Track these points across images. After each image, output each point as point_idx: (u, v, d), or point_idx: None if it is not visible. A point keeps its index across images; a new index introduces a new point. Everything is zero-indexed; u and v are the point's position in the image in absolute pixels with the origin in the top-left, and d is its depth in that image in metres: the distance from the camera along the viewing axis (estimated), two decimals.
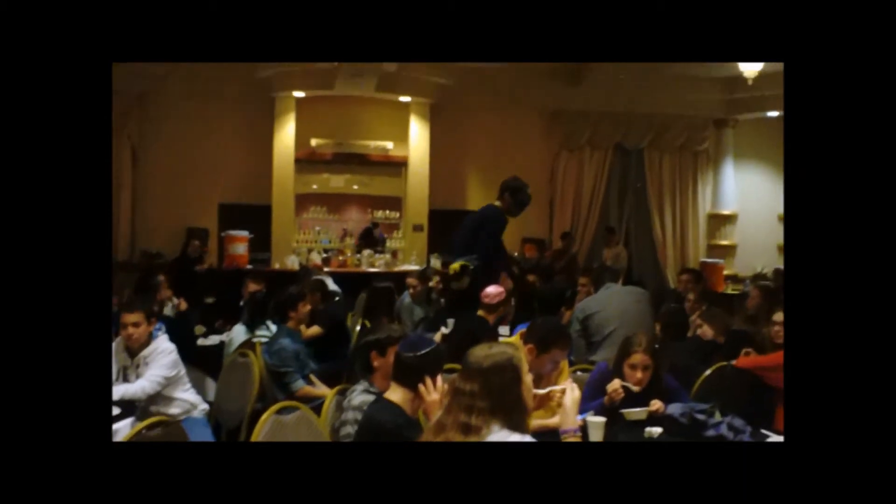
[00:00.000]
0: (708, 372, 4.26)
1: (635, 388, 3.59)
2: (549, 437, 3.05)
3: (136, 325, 4.11)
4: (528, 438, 2.27)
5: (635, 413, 3.50)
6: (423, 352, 2.85)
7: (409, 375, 2.84)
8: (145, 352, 4.15)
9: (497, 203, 6.27)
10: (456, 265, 6.03)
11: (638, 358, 3.64)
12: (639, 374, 3.62)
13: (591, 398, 3.71)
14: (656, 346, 3.86)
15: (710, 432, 3.36)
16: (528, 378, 2.41)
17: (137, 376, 4.11)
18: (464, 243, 6.22)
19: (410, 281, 7.05)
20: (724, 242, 11.89)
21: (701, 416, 3.43)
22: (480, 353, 2.38)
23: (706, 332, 4.85)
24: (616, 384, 3.58)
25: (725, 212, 11.89)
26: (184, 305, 6.51)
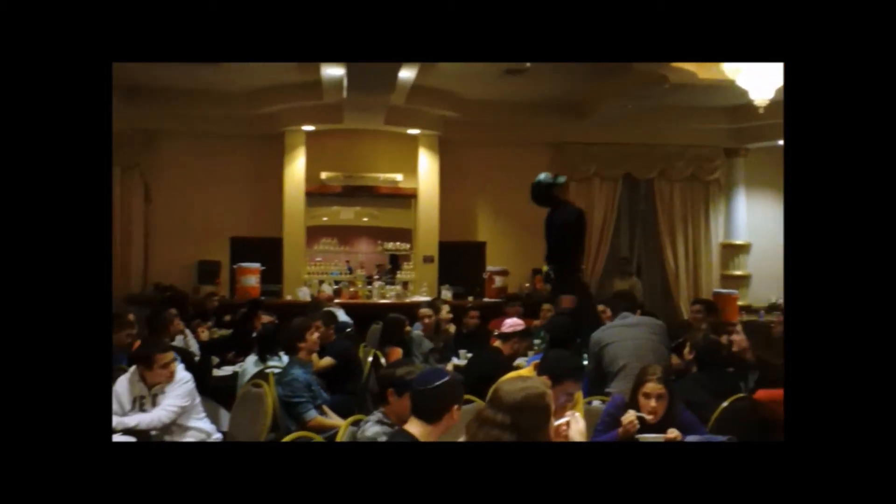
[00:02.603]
0: (725, 404, 4.22)
1: (649, 418, 3.56)
2: None
3: (166, 365, 4.17)
4: None
5: (652, 440, 3.47)
6: (437, 384, 2.81)
7: (427, 408, 2.81)
8: None
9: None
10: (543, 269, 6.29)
11: (651, 387, 3.63)
12: (653, 403, 3.60)
13: (607, 430, 3.68)
14: (672, 377, 3.83)
15: None
16: (552, 418, 2.40)
17: (154, 405, 4.13)
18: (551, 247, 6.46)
19: (424, 312, 7.02)
20: (738, 273, 11.82)
21: None
22: (513, 386, 2.37)
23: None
24: (631, 416, 3.55)
25: (738, 242, 11.83)
26: (205, 334, 6.55)
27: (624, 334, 5.00)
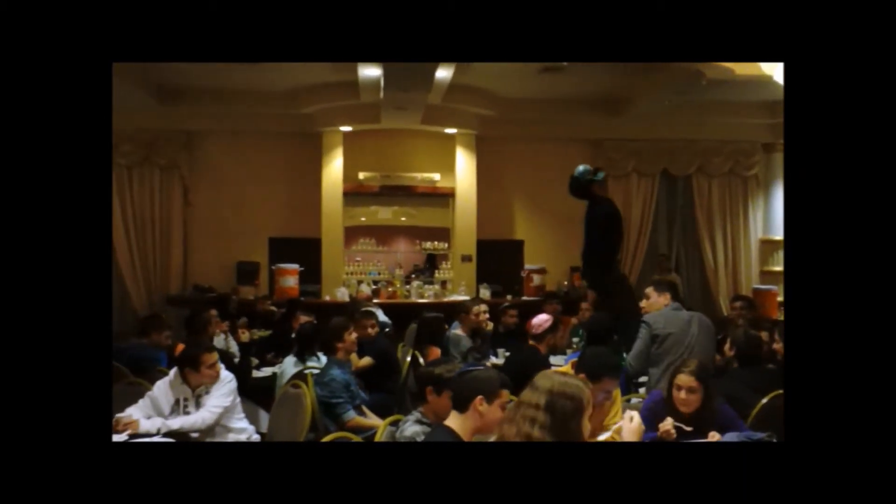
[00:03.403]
0: (765, 400, 4.18)
1: (688, 429, 3.54)
2: None
3: (212, 365, 4.23)
4: None
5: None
6: (463, 370, 2.93)
7: (454, 396, 2.88)
8: None
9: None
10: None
11: (683, 379, 3.65)
12: (683, 395, 3.63)
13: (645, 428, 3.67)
14: (712, 374, 3.82)
15: None
16: (587, 420, 2.45)
17: (197, 406, 4.20)
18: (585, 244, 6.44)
19: (477, 309, 6.99)
20: (777, 269, 11.63)
21: None
22: (555, 379, 2.45)
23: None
24: (668, 424, 3.54)
25: (777, 238, 11.66)
26: (246, 336, 6.64)
27: (681, 328, 4.85)
